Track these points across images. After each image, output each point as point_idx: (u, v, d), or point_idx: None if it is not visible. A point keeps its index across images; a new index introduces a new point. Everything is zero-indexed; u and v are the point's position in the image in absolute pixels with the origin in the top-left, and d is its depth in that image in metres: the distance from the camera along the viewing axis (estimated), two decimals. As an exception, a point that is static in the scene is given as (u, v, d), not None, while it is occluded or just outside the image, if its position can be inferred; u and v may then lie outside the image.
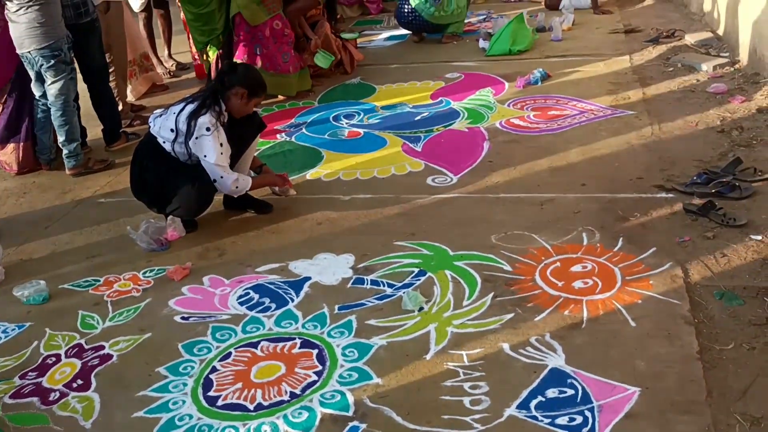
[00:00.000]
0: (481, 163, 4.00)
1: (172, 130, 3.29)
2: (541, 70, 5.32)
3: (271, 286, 2.99)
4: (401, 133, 4.57)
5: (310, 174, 4.11)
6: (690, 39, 5.77)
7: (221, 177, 3.31)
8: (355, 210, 3.62)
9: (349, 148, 4.44)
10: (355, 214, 3.57)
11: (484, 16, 7.47)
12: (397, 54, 6.56)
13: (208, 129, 3.23)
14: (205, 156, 3.27)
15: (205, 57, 5.59)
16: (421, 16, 6.43)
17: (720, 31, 5.72)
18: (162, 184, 3.38)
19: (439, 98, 5.16)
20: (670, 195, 3.40)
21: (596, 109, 4.59)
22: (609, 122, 4.37)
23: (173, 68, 6.68)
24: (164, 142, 3.34)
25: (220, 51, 5.51)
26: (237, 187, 3.36)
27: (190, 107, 3.28)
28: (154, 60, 6.46)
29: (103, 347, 2.70)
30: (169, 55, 6.78)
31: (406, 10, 6.49)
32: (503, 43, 6.06)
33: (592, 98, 4.80)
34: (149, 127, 3.45)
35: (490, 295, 2.78)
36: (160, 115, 3.39)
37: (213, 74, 5.53)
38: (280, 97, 5.51)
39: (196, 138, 3.24)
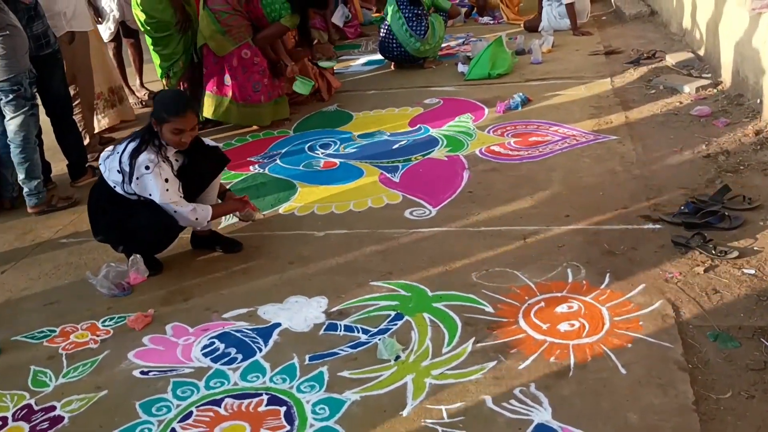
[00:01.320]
0: (461, 194, 3.85)
1: (119, 172, 3.12)
2: (521, 94, 5.20)
3: (238, 335, 2.80)
4: (378, 162, 4.42)
5: (283, 208, 3.94)
6: (671, 60, 5.67)
7: (175, 211, 3.13)
8: (330, 247, 3.44)
9: (325, 179, 4.28)
10: (330, 251, 3.40)
11: (463, 39, 7.36)
12: (374, 80, 6.42)
13: (147, 167, 3.06)
14: (150, 195, 3.10)
15: (166, 82, 5.41)
16: (406, 50, 6.32)
17: (701, 52, 5.63)
18: (122, 224, 3.19)
19: (418, 125, 5.02)
20: (658, 226, 3.25)
21: (578, 135, 4.46)
22: (592, 148, 4.23)
23: (145, 97, 6.50)
24: (115, 186, 3.16)
25: (183, 78, 5.33)
26: (197, 218, 3.18)
27: (131, 145, 3.11)
28: (125, 90, 6.28)
29: (54, 408, 2.49)
30: (141, 84, 6.61)
31: (392, 45, 6.37)
32: (482, 67, 5.94)
33: (574, 123, 4.67)
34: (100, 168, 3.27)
35: (471, 340, 2.61)
36: (108, 156, 3.21)
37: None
38: (255, 127, 5.32)
39: (137, 178, 3.08)
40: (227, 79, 5.16)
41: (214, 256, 3.48)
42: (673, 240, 3.07)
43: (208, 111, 5.27)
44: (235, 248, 3.49)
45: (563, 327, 2.62)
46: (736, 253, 2.92)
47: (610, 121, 4.64)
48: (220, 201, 3.50)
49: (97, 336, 2.90)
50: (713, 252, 2.94)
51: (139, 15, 5.32)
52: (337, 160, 4.55)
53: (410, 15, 6.24)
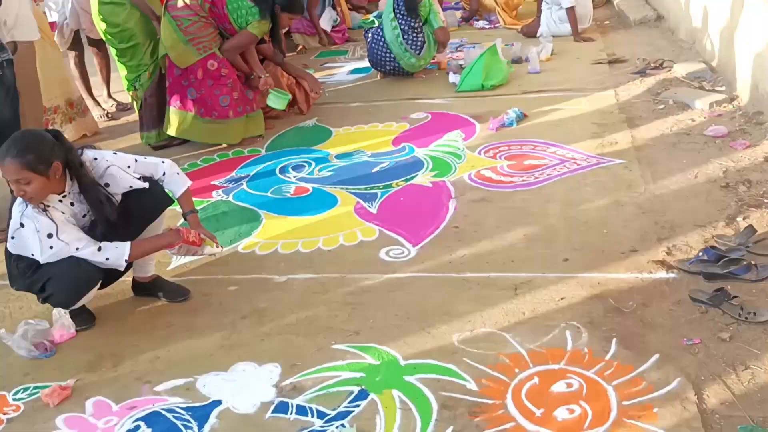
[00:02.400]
0: (445, 230, 3.37)
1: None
2: (516, 109, 4.71)
3: (170, 416, 2.33)
4: (355, 189, 3.94)
5: (244, 245, 3.45)
6: (680, 70, 5.19)
7: (77, 250, 2.63)
8: (291, 296, 2.97)
9: (294, 208, 3.80)
10: (290, 302, 2.92)
11: (457, 45, 6.86)
12: (359, 90, 5.94)
13: (21, 225, 2.61)
14: (32, 255, 2.60)
15: (133, 95, 4.93)
16: (399, 64, 5.82)
17: (714, 62, 5.14)
18: (33, 272, 2.71)
19: (402, 144, 4.53)
20: (672, 275, 2.77)
21: (579, 158, 3.98)
22: (594, 174, 3.75)
23: (113, 109, 6.02)
24: None
25: (150, 90, 4.85)
26: (107, 259, 2.68)
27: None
28: (90, 102, 5.81)
29: None
30: (109, 95, 6.12)
31: (386, 58, 5.86)
32: (475, 78, 5.45)
33: (575, 143, 4.19)
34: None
35: (449, 430, 2.12)
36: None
37: (141, 117, 4.88)
38: (224, 145, 4.84)
39: (12, 238, 2.61)
40: (191, 92, 4.67)
41: (156, 306, 3.01)
42: (691, 296, 2.59)
43: (172, 128, 4.79)
44: (180, 297, 3.01)
45: (561, 414, 2.14)
46: (767, 315, 2.43)
47: (615, 141, 4.15)
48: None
49: (4, 415, 2.43)
50: (739, 313, 2.45)
51: (100, 25, 4.85)
52: (310, 186, 4.07)
53: (406, 27, 5.74)
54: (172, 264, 3.32)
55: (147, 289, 3.05)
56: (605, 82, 5.32)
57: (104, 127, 5.69)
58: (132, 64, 4.86)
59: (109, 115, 5.90)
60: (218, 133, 4.78)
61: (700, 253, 2.81)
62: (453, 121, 4.87)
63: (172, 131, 4.79)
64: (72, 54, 5.70)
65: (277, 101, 4.86)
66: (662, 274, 2.80)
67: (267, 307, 2.91)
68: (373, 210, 3.67)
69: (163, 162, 2.91)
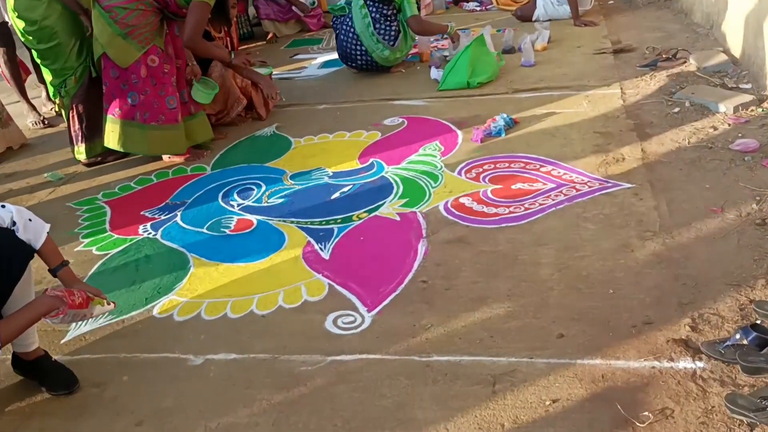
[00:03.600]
0: (411, 286, 2.68)
1: None
2: (505, 116, 3.99)
3: None
4: (308, 223, 3.25)
5: (161, 306, 2.77)
6: (697, 62, 4.45)
7: None
8: (205, 388, 2.30)
9: (231, 251, 3.11)
10: (202, 398, 2.26)
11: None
12: (329, 88, 5.21)
13: None
14: None
15: (59, 103, 4.22)
16: (372, 57, 5.07)
17: (736, 53, 4.40)
18: None
19: (370, 160, 3.83)
20: (700, 364, 2.07)
21: (579, 181, 3.27)
22: (597, 204, 3.04)
23: (52, 113, 5.31)
24: None
25: (77, 97, 4.14)
26: None
27: None
28: (25, 106, 5.10)
29: None
30: (48, 98, 5.40)
31: (356, 52, 5.12)
32: (459, 75, 4.73)
33: (574, 160, 3.48)
34: None
35: None
36: None
37: (70, 128, 4.18)
38: (166, 160, 4.14)
39: None
40: (133, 96, 3.97)
41: (33, 403, 2.32)
42: (728, 404, 1.90)
43: (111, 140, 4.10)
44: (63, 389, 2.34)
45: None
46: (837, 441, 1.74)
47: (622, 156, 3.44)
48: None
49: None
50: (799, 436, 1.76)
51: (16, 23, 4.14)
52: (254, 218, 3.37)
53: (378, 15, 5.01)
54: (68, 335, 2.63)
55: (28, 369, 2.38)
56: (610, 76, 4.58)
57: (36, 137, 4.98)
58: (55, 68, 4.16)
59: (46, 122, 5.21)
60: (166, 141, 4.09)
61: (737, 335, 2.11)
62: (432, 129, 4.15)
63: (111, 144, 4.09)
64: (0, 51, 4.96)
65: (201, 94, 4.15)
66: (687, 362, 2.11)
67: (172, 406, 2.24)
68: (325, 255, 2.97)
69: (3, 206, 2.20)
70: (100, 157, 4.29)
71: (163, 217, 3.53)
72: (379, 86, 5.06)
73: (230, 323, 2.63)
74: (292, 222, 3.30)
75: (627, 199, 3.08)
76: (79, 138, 4.25)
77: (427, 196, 3.36)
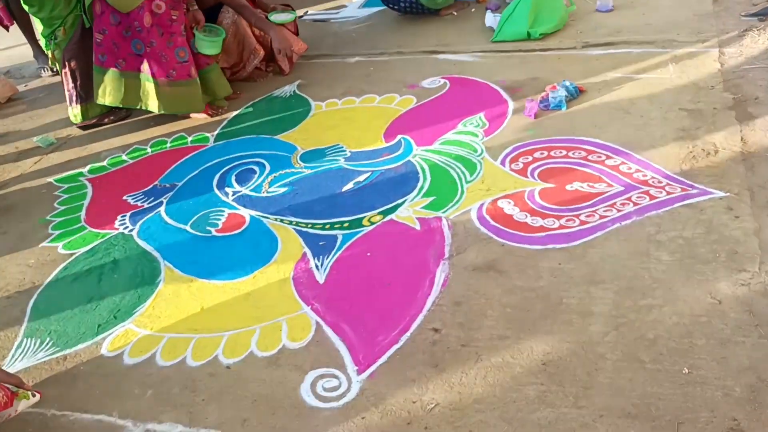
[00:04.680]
0: (418, 336, 2.06)
1: None
2: (568, 83, 3.21)
3: None
4: (309, 226, 2.62)
5: (111, 342, 2.24)
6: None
7: None
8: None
9: (211, 262, 2.55)
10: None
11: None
12: (365, 36, 4.50)
13: None
14: None
15: (52, 59, 3.67)
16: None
17: None
18: None
19: (397, 137, 3.13)
20: None
21: (654, 181, 2.54)
22: (675, 220, 2.31)
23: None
24: None
25: (69, 50, 3.58)
26: None
27: None
28: (34, 49, 4.61)
29: None
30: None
31: None
32: (518, 23, 3.93)
33: (650, 149, 2.72)
34: None
35: None
36: None
37: (64, 82, 3.64)
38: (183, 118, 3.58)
39: None
40: (137, 45, 3.41)
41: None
42: None
43: (113, 96, 3.57)
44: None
45: None
46: None
47: (714, 147, 2.66)
48: None
49: None
50: None
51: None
52: (248, 214, 2.77)
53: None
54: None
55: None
56: (705, 29, 3.69)
57: (42, 87, 4.47)
58: (43, 16, 3.61)
59: (54, 69, 4.66)
60: (179, 99, 3.57)
61: None
62: (477, 96, 3.42)
63: (113, 100, 3.58)
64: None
65: (205, 45, 3.53)
66: None
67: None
68: (321, 276, 2.36)
69: None
70: (96, 119, 3.75)
71: (146, 206, 2.98)
72: (423, 35, 4.30)
73: (187, 374, 2.07)
74: (290, 223, 2.68)
75: (717, 216, 2.32)
76: (73, 98, 3.71)
77: (458, 195, 2.68)
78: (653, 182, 2.55)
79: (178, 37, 3.50)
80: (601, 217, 2.42)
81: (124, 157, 3.43)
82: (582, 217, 2.43)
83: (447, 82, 3.62)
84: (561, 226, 2.41)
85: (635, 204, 2.45)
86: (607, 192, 2.54)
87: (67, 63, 3.64)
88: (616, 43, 3.73)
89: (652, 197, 2.47)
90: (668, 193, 2.48)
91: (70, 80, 3.67)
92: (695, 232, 2.27)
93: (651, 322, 1.96)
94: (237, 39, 3.81)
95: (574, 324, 2.00)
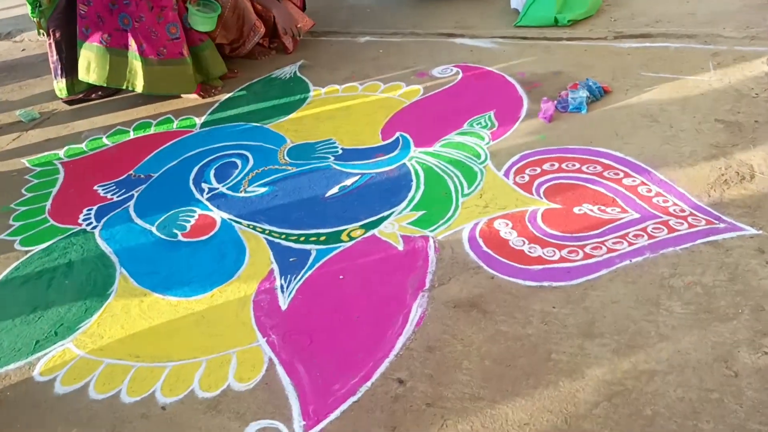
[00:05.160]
0: (379, 388, 1.80)
1: None
2: (591, 82, 2.86)
3: None
4: (283, 237, 2.35)
5: (45, 363, 2.02)
6: None
7: None
8: None
9: (170, 272, 2.32)
10: None
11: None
12: (379, 14, 4.18)
13: None
14: None
15: (38, 23, 3.43)
16: None
17: None
18: None
19: (396, 135, 2.82)
20: None
21: (676, 209, 2.20)
22: (695, 261, 2.00)
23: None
24: None
25: (54, 20, 3.32)
26: None
27: None
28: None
29: None
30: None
31: None
32: (545, 8, 3.56)
33: (676, 167, 2.39)
34: None
35: None
36: None
37: (48, 54, 3.39)
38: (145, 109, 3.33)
39: None
40: (124, 19, 3.14)
41: None
42: None
43: (97, 74, 3.32)
44: None
45: None
46: None
47: (749, 171, 2.33)
48: None
49: None
50: None
51: None
52: (220, 217, 2.50)
53: None
54: None
55: None
56: (757, 23, 3.28)
57: (36, 55, 4.23)
58: (27, -17, 3.32)
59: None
60: (169, 79, 3.32)
61: None
62: (490, 90, 3.08)
63: (93, 77, 3.30)
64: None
65: (198, 20, 3.23)
66: None
67: None
68: (284, 301, 2.10)
69: None
70: (83, 94, 3.51)
71: (116, 198, 2.73)
72: (441, 15, 3.95)
73: (118, 412, 1.83)
74: (263, 231, 2.40)
75: (745, 260, 1.98)
76: (59, 71, 3.47)
77: (451, 210, 2.37)
78: (675, 211, 2.21)
79: (169, 12, 3.22)
80: (609, 250, 2.09)
81: (104, 140, 3.19)
82: (587, 249, 2.11)
83: (459, 71, 3.29)
84: (562, 259, 2.09)
85: (650, 237, 2.12)
86: (620, 219, 2.21)
87: (51, 33, 3.38)
88: (653, 35, 3.33)
89: (671, 229, 2.13)
90: (690, 225, 2.14)
91: (54, 52, 3.42)
92: (717, 278, 1.93)
93: (651, 394, 1.65)
94: (236, 13, 3.51)
95: (561, 388, 1.70)
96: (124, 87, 3.34)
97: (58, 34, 3.39)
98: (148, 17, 3.20)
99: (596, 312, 1.90)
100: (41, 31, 3.48)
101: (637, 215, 2.22)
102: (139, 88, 3.28)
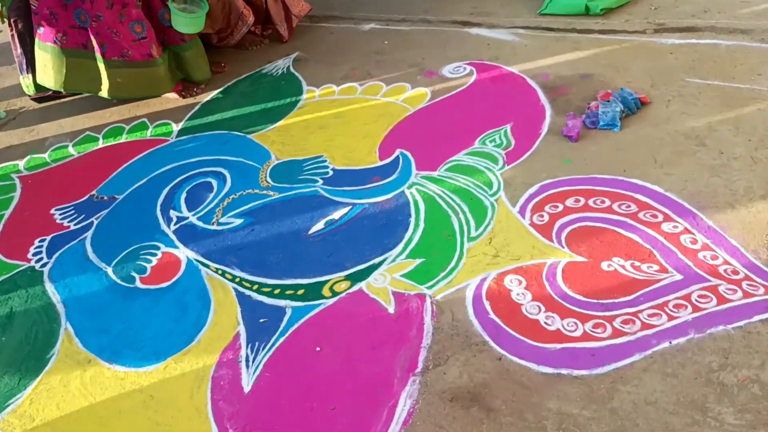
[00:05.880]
0: None
1: None
2: (626, 92, 2.42)
3: None
4: (256, 287, 2.00)
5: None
6: None
7: None
8: None
9: (121, 333, 1.99)
10: None
11: None
12: (388, -4, 3.67)
13: None
14: None
15: (2, 15, 3.05)
16: None
17: None
18: None
19: (396, 153, 2.43)
20: None
21: (727, 270, 1.80)
22: (750, 346, 1.65)
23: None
24: None
25: (14, 8, 2.93)
26: None
27: None
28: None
29: None
30: None
31: None
32: (575, -7, 3.07)
33: (727, 209, 1.99)
34: None
35: None
36: None
37: (12, 46, 3.02)
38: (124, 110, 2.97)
39: None
40: (80, 15, 2.76)
41: None
42: None
43: (52, 78, 2.94)
44: None
45: None
46: None
47: (820, 218, 1.86)
48: None
49: None
50: None
51: None
52: (185, 256, 2.14)
53: None
54: None
55: None
56: (822, 16, 2.78)
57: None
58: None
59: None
60: (136, 83, 2.92)
61: None
62: (508, 96, 2.67)
63: (48, 81, 2.93)
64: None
65: (181, 21, 2.82)
66: None
67: None
68: (248, 380, 1.75)
69: None
70: (52, 91, 3.11)
71: (73, 227, 2.38)
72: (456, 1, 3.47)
73: None
74: (233, 279, 2.04)
75: (814, 349, 1.57)
76: (24, 66, 3.10)
77: (455, 258, 1.99)
78: (726, 272, 1.80)
79: (131, 9, 2.82)
80: (644, 325, 1.70)
81: (70, 149, 2.83)
82: (617, 323, 1.72)
83: (473, 71, 2.86)
84: (585, 336, 1.70)
85: (695, 308, 1.72)
86: (658, 281, 1.81)
87: (13, 24, 3.01)
88: (701, 28, 2.87)
89: (721, 299, 1.73)
90: (745, 294, 1.73)
91: (18, 44, 3.04)
92: (776, 374, 1.53)
93: None
94: (221, 1, 3.09)
95: None
96: (85, 92, 2.96)
97: (20, 26, 3.01)
98: (107, 16, 2.79)
99: (626, 417, 1.51)
100: (4, 19, 3.08)
101: (679, 276, 1.82)
102: (103, 92, 2.91)
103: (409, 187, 2.29)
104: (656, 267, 1.86)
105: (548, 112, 2.54)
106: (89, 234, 2.35)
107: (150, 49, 2.89)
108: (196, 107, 2.96)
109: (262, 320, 1.91)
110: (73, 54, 2.86)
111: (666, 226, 1.98)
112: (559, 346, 1.70)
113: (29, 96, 3.19)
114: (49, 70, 2.88)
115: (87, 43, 2.85)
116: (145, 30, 2.87)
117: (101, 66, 2.89)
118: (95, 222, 2.39)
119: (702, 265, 1.84)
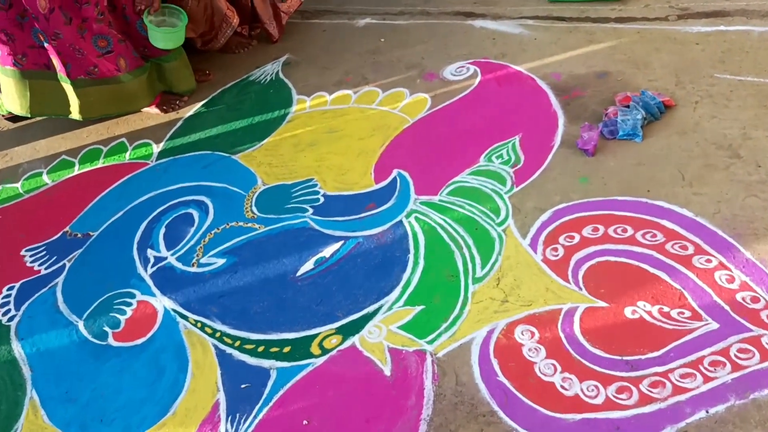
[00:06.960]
0: None
1: None
2: (648, 96, 2.15)
3: None
4: (237, 343, 1.80)
5: None
6: None
7: None
8: None
9: (89, 403, 1.80)
10: None
11: None
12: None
13: None
14: None
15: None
16: None
17: None
18: None
19: (393, 174, 2.20)
20: None
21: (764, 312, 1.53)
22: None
23: None
24: None
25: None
26: None
27: None
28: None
29: None
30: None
31: None
32: (587, -23, 2.78)
33: (765, 236, 1.70)
34: None
35: None
36: None
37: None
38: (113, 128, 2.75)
39: None
40: (37, 34, 2.52)
41: None
42: None
43: (17, 102, 2.73)
44: None
45: None
46: None
47: None
48: None
49: None
50: None
51: None
52: (162, 305, 1.94)
53: None
54: None
55: None
56: None
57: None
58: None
59: None
60: (108, 101, 2.69)
61: None
62: (516, 100, 2.41)
63: (13, 106, 2.71)
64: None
65: (158, 37, 2.58)
66: None
67: None
68: (226, 462, 1.53)
69: None
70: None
71: (44, 271, 2.18)
72: (459, -15, 3.19)
73: None
74: (213, 333, 1.83)
75: None
76: (-6, 82, 2.86)
77: (458, 305, 1.76)
78: (763, 312, 1.55)
79: (92, 24, 2.57)
80: (676, 389, 1.47)
81: (44, 177, 2.63)
82: (643, 386, 1.49)
83: (478, 71, 2.60)
84: (607, 403, 1.48)
85: (735, 366, 1.49)
86: (690, 332, 1.57)
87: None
88: (730, 12, 2.57)
89: (765, 354, 1.48)
90: (790, 349, 1.48)
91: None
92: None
93: None
94: (202, 3, 2.84)
95: None
96: (53, 116, 2.74)
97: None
98: (66, 33, 2.55)
99: None
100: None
101: (715, 325, 1.58)
102: (74, 114, 2.69)
103: (408, 216, 2.05)
104: (688, 313, 1.62)
105: (561, 120, 2.29)
106: (60, 280, 2.14)
107: (117, 63, 2.67)
108: (179, 123, 2.74)
109: (243, 386, 1.71)
110: (36, 75, 2.63)
111: (697, 261, 1.73)
112: (578, 416, 1.48)
113: (2, 115, 2.97)
114: (12, 94, 2.66)
115: (49, 63, 2.62)
116: (111, 44, 2.63)
117: (67, 87, 2.67)
118: (67, 265, 2.19)
119: (741, 309, 1.60)
